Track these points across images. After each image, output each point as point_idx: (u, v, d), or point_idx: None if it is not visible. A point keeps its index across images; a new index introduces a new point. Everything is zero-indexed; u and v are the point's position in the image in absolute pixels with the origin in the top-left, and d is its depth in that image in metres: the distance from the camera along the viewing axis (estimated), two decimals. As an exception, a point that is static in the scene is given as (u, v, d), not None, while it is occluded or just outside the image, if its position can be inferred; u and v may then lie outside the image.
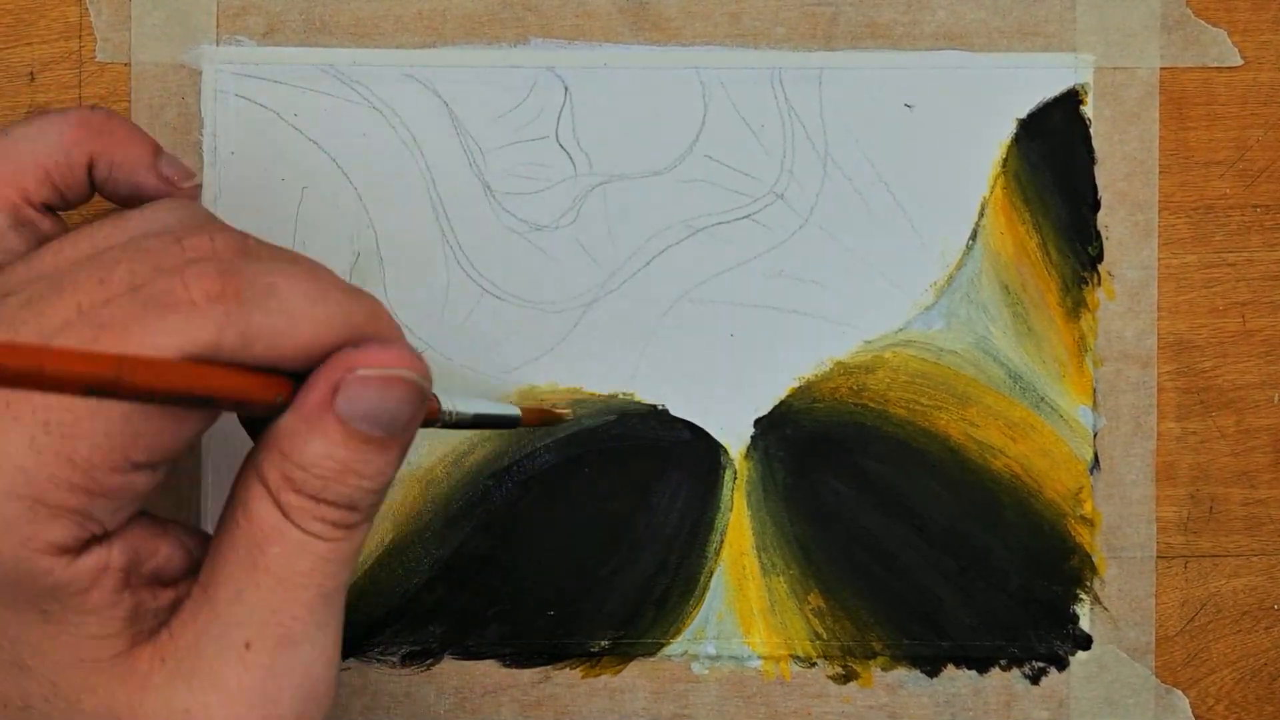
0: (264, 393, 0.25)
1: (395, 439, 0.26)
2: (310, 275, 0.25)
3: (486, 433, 0.35)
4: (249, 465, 0.26)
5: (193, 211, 0.27)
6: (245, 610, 0.25)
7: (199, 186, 0.31)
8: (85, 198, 0.30)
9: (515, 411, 0.33)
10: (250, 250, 0.26)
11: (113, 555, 0.25)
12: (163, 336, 0.23)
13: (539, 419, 0.34)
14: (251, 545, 0.25)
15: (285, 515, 0.25)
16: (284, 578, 0.25)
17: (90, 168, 0.29)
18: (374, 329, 0.26)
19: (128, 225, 0.27)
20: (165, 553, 0.26)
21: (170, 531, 0.27)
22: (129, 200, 0.30)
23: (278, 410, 0.25)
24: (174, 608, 0.26)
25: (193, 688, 0.25)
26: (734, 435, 0.36)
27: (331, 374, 0.25)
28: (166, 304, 0.24)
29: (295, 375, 0.25)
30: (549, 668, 0.36)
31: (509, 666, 0.36)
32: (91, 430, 0.24)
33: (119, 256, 0.25)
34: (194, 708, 0.25)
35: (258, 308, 0.24)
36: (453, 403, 0.29)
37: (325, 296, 0.25)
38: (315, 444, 0.25)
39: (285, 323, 0.24)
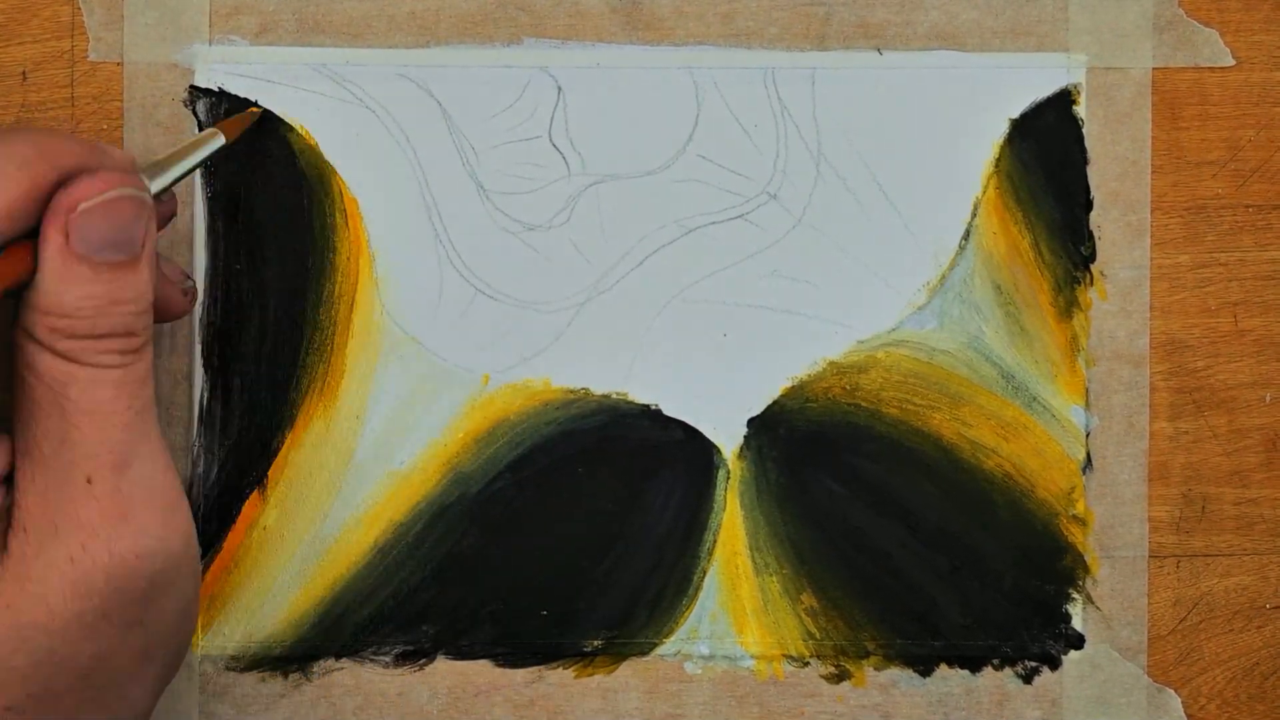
0: (7, 273, 0.26)
1: (139, 256, 0.27)
2: None
3: (479, 435, 0.35)
4: (18, 331, 0.27)
5: None
6: (71, 452, 0.27)
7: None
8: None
9: (218, 134, 0.33)
10: None
11: None
12: None
13: (237, 126, 0.34)
14: (51, 396, 0.27)
15: (69, 360, 0.26)
16: (93, 410, 0.27)
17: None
18: (60, 160, 0.27)
19: None
20: None
21: None
22: None
23: (30, 277, 0.26)
24: (11, 492, 0.27)
25: (60, 536, 0.27)
26: (727, 435, 0.36)
27: (56, 219, 0.26)
28: None
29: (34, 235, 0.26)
30: (542, 667, 0.36)
31: (502, 666, 0.36)
32: None
33: None
34: (72, 552, 0.27)
35: None
36: (160, 176, 0.30)
37: (9, 148, 0.26)
38: (70, 290, 0.26)
39: None
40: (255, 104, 0.35)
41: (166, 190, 0.31)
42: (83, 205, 0.26)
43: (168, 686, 0.34)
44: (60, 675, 0.27)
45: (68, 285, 0.26)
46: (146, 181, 0.29)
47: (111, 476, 0.27)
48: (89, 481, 0.27)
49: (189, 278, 0.34)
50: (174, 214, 0.34)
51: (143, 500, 0.27)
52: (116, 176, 0.27)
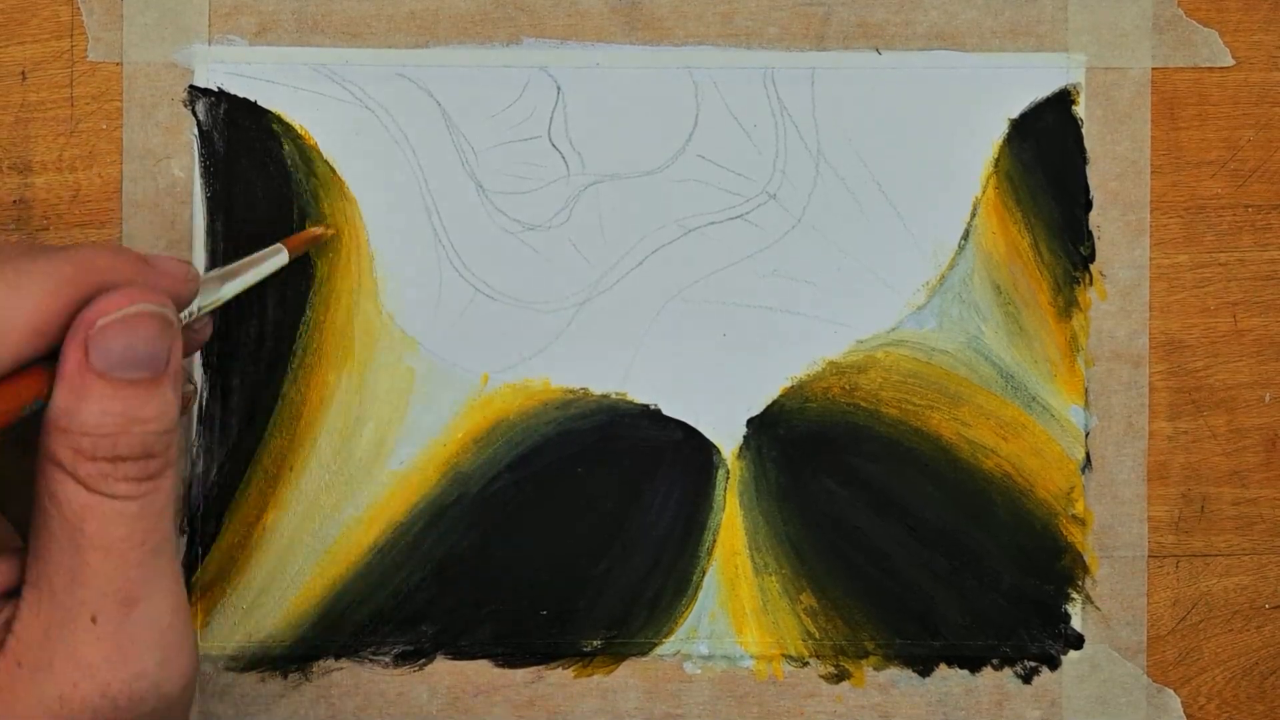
0: (23, 393, 0.25)
1: (162, 375, 0.26)
2: (15, 256, 0.26)
3: (479, 435, 0.35)
4: (41, 456, 0.26)
5: None
6: (81, 589, 0.26)
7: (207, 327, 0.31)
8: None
9: (281, 250, 0.33)
10: None
11: None
12: None
13: (304, 244, 0.34)
14: (69, 528, 0.26)
15: (90, 488, 0.26)
16: (107, 547, 0.26)
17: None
18: (101, 276, 0.26)
19: None
20: None
21: None
22: None
23: (47, 398, 0.26)
24: (10, 620, 0.27)
25: (55, 674, 0.26)
26: (726, 435, 0.36)
27: (76, 335, 0.25)
28: None
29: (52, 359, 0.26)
30: (541, 667, 0.36)
31: (502, 666, 0.36)
32: None
33: None
34: (64, 690, 0.26)
35: None
36: (217, 291, 0.30)
37: (35, 266, 0.25)
38: (89, 408, 0.26)
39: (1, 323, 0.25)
40: (328, 225, 0.35)
41: (215, 305, 0.30)
42: (102, 321, 0.25)
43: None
44: None
45: (85, 402, 0.25)
46: (202, 291, 0.29)
47: (117, 615, 0.26)
48: (94, 620, 0.26)
49: (190, 380, 0.33)
50: (209, 337, 0.33)
51: (146, 641, 0.27)
52: (140, 292, 0.26)
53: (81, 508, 0.26)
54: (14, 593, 0.27)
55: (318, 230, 0.35)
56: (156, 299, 0.26)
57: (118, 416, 0.26)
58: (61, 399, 0.26)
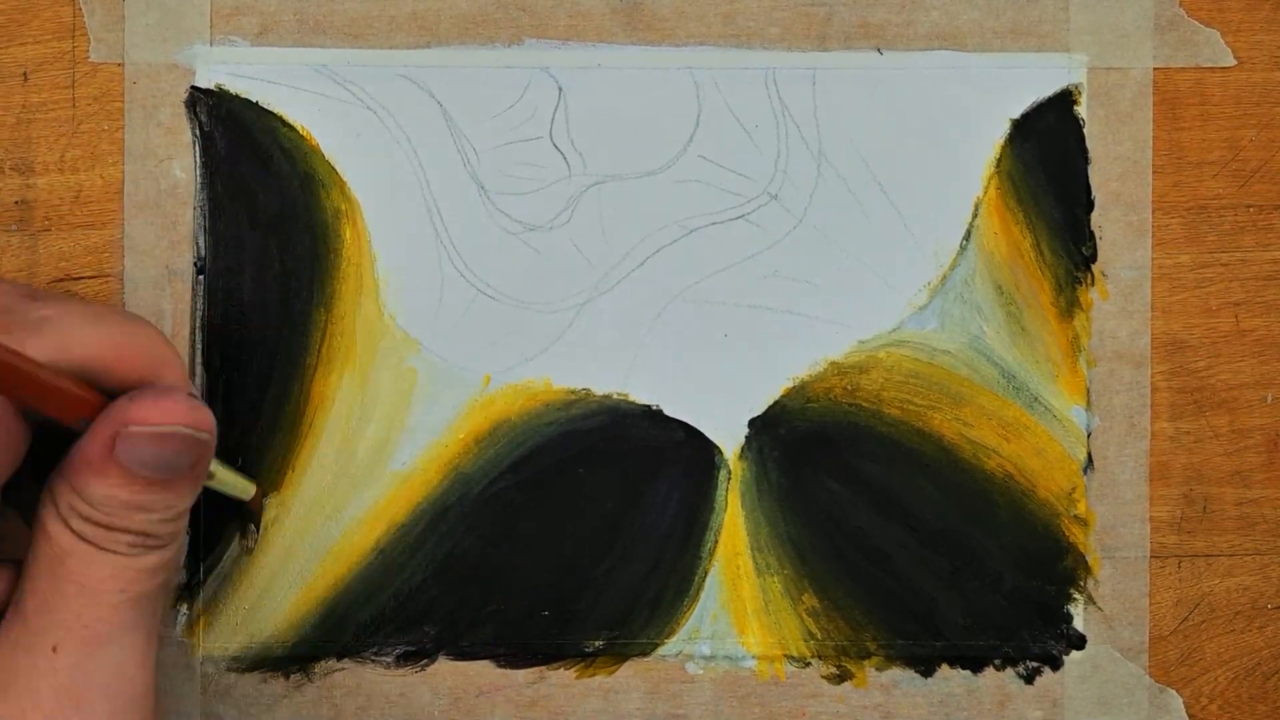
0: (81, 408, 0.25)
1: (180, 479, 0.26)
2: (85, 308, 0.26)
3: (480, 436, 0.35)
4: (46, 488, 0.26)
5: None
6: (51, 618, 0.26)
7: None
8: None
9: (250, 487, 0.34)
10: (34, 294, 0.27)
11: None
12: None
13: (256, 506, 0.35)
14: (52, 559, 0.26)
15: (79, 538, 0.26)
16: (85, 585, 0.26)
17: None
18: (151, 358, 0.26)
19: None
20: None
21: None
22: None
23: (81, 428, 0.26)
24: None
25: (7, 698, 0.26)
26: (728, 435, 0.36)
27: (109, 426, 0.25)
28: None
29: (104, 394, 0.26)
30: (544, 668, 0.36)
31: (503, 667, 0.36)
32: None
33: None
34: (9, 716, 0.26)
35: (32, 336, 0.25)
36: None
37: (98, 322, 0.26)
38: (99, 485, 0.25)
39: (57, 347, 0.25)
40: (254, 488, 0.34)
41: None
42: (134, 428, 0.25)
43: (169, 687, 0.34)
44: None
45: (98, 480, 0.25)
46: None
47: (78, 651, 0.26)
48: (54, 650, 0.26)
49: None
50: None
51: (101, 687, 0.26)
52: (180, 410, 0.26)
53: (68, 545, 0.26)
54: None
55: (255, 501, 0.35)
56: (196, 419, 0.26)
57: (124, 503, 0.26)
58: (78, 461, 0.25)
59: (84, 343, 0.26)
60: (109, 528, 0.26)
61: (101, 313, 0.27)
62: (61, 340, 0.26)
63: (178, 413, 0.26)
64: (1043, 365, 0.36)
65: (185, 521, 0.27)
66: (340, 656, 0.35)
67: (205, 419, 0.27)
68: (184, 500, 0.27)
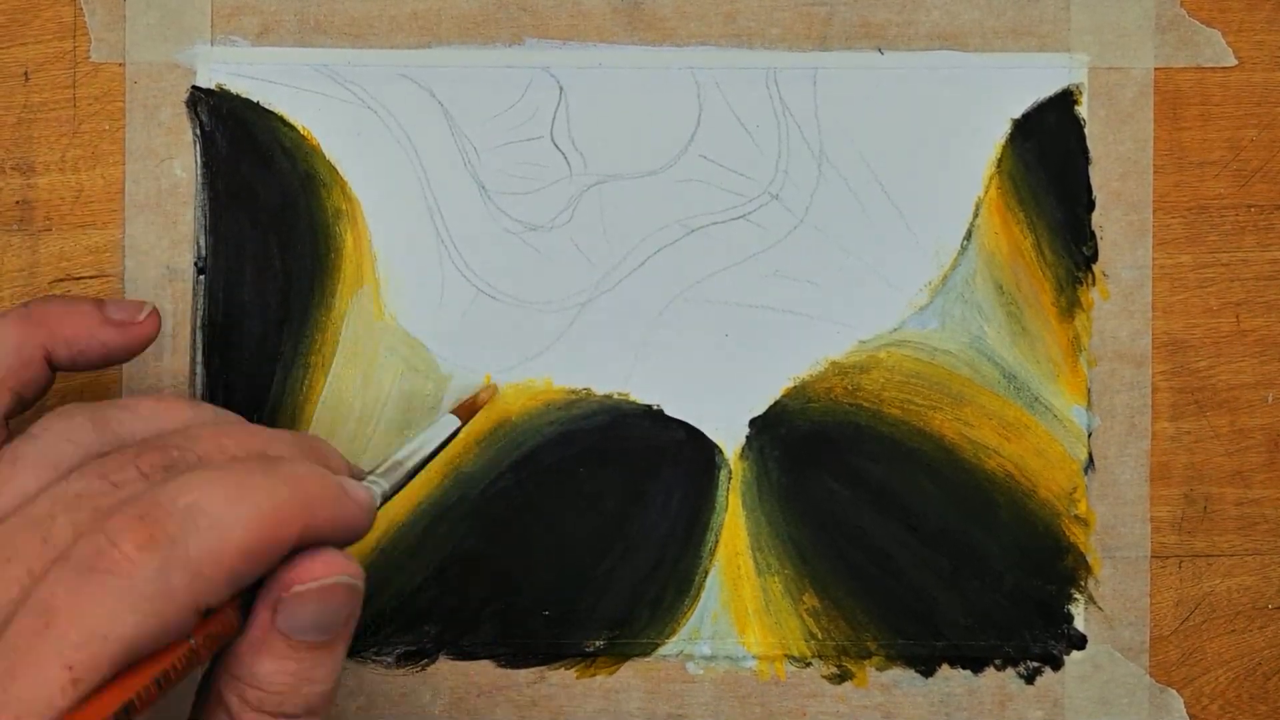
0: (225, 628, 0.25)
1: (339, 638, 0.27)
2: (226, 477, 0.25)
3: (481, 436, 0.35)
4: (208, 692, 0.27)
5: (104, 418, 0.28)
6: None
7: (156, 313, 0.31)
8: (44, 391, 0.30)
9: (454, 420, 0.33)
10: (173, 462, 0.26)
11: None
12: (108, 606, 0.23)
13: (472, 411, 0.34)
14: None
15: None
16: None
17: (48, 359, 0.30)
18: (305, 511, 0.26)
19: (44, 451, 0.27)
20: None
21: None
22: (101, 363, 0.31)
23: (238, 632, 0.26)
24: None
25: None
26: (729, 435, 0.36)
27: (269, 596, 0.26)
28: (101, 567, 0.24)
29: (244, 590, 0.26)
30: (544, 668, 0.36)
31: (504, 667, 0.36)
32: None
33: (54, 509, 0.25)
34: None
35: (189, 535, 0.24)
36: (392, 474, 0.30)
37: (245, 496, 0.25)
38: (266, 663, 0.26)
39: (217, 538, 0.25)
40: (490, 382, 0.35)
41: (402, 485, 0.30)
42: (298, 588, 0.26)
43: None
44: None
45: (263, 658, 0.26)
46: (383, 484, 0.29)
47: None
48: None
49: (143, 306, 0.32)
50: (155, 332, 0.32)
51: None
52: (340, 561, 0.26)
53: None
54: None
55: (485, 394, 0.35)
56: (354, 569, 0.26)
57: (292, 675, 0.26)
58: (242, 648, 0.26)
59: (239, 523, 0.25)
60: (276, 713, 0.26)
61: (243, 486, 0.25)
62: (218, 532, 0.24)
63: (334, 564, 0.26)
64: (1043, 365, 0.36)
65: (335, 693, 0.28)
66: (341, 656, 0.35)
67: (357, 567, 0.27)
68: (341, 659, 0.27)
